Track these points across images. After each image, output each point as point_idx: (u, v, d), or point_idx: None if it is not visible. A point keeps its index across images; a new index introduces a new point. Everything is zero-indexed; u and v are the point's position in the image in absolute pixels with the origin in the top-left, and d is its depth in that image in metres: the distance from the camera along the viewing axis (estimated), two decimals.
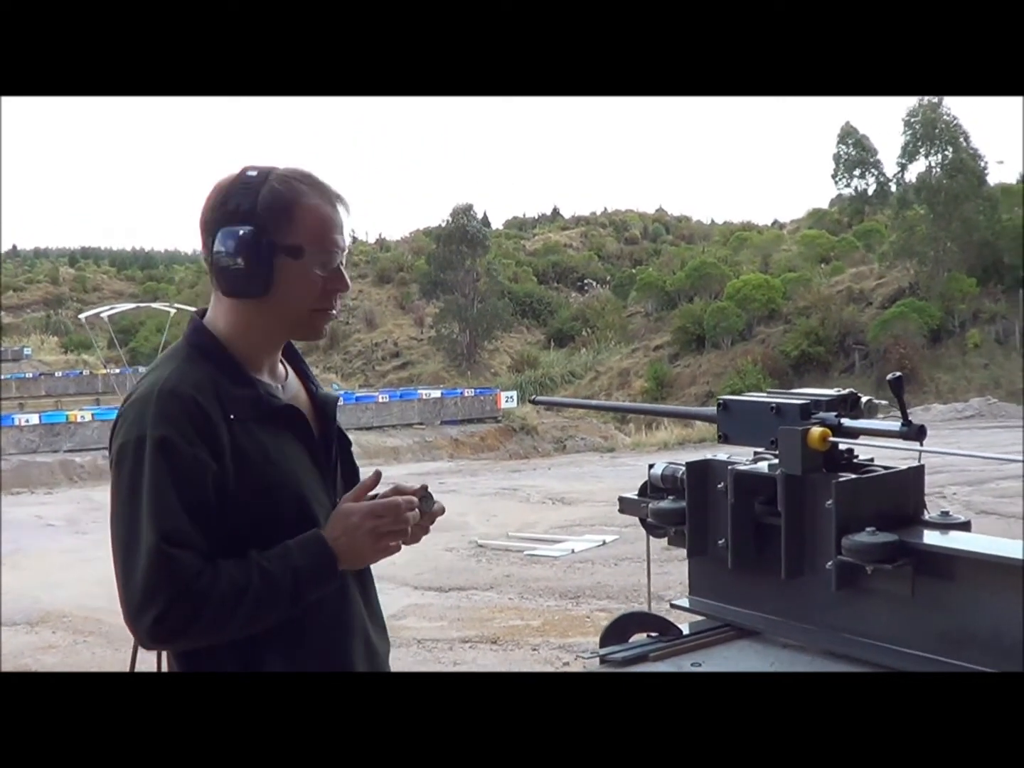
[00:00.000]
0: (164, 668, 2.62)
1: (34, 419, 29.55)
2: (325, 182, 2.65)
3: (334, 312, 2.70)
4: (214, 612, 2.39)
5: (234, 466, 2.48)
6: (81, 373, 55.07)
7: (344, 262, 2.68)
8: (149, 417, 2.44)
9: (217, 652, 2.49)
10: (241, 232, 2.51)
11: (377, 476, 2.67)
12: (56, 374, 56.16)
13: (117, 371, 40.59)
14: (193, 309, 3.48)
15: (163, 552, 2.36)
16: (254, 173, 2.57)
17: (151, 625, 2.36)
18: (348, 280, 2.68)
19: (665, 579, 9.65)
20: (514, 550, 15.90)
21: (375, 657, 2.76)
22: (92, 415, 30.32)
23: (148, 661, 2.62)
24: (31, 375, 53.98)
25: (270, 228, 2.53)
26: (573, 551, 15.55)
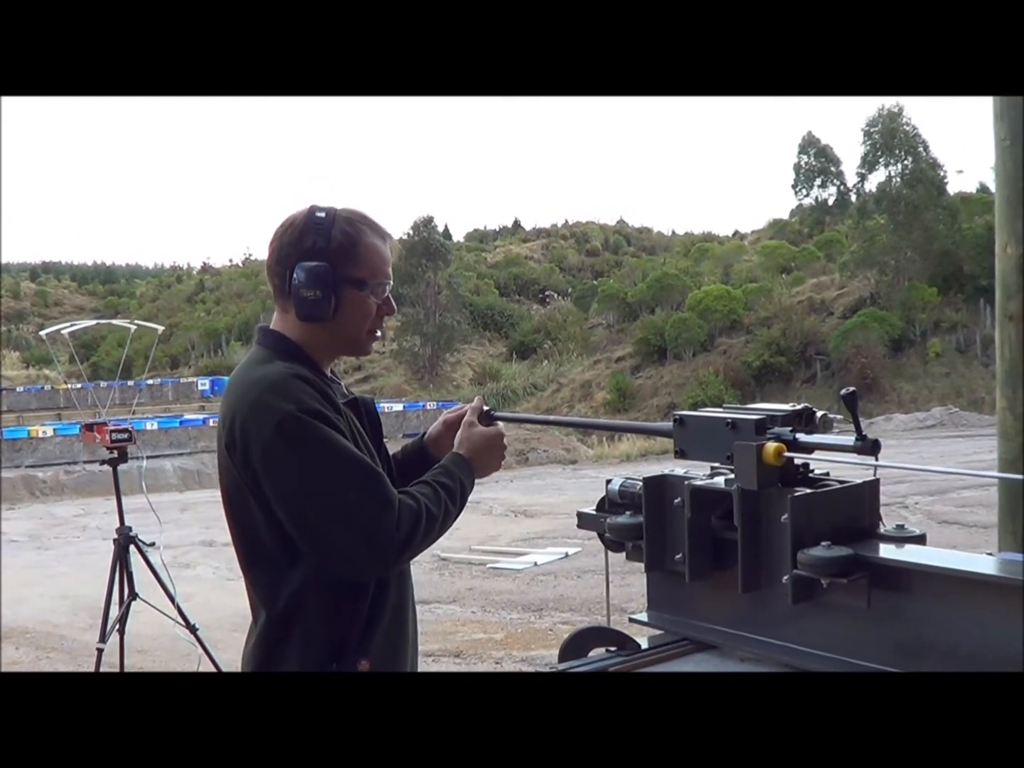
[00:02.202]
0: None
1: None
2: (378, 222, 3.07)
3: (380, 333, 3.13)
4: (427, 516, 2.85)
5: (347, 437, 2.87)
6: (42, 388, 54.90)
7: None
8: (292, 396, 2.80)
9: (314, 649, 2.86)
10: (318, 267, 2.91)
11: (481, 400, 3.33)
12: (17, 389, 55.96)
13: (78, 386, 40.35)
14: (154, 325, 3.69)
15: (377, 473, 2.82)
16: (322, 214, 2.97)
17: (393, 530, 2.77)
18: (395, 305, 3.13)
19: (627, 591, 9.65)
20: (477, 563, 15.84)
21: (415, 660, 3.21)
22: (54, 430, 30.16)
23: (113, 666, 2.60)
24: None
25: (340, 264, 2.94)
26: (536, 564, 15.51)
